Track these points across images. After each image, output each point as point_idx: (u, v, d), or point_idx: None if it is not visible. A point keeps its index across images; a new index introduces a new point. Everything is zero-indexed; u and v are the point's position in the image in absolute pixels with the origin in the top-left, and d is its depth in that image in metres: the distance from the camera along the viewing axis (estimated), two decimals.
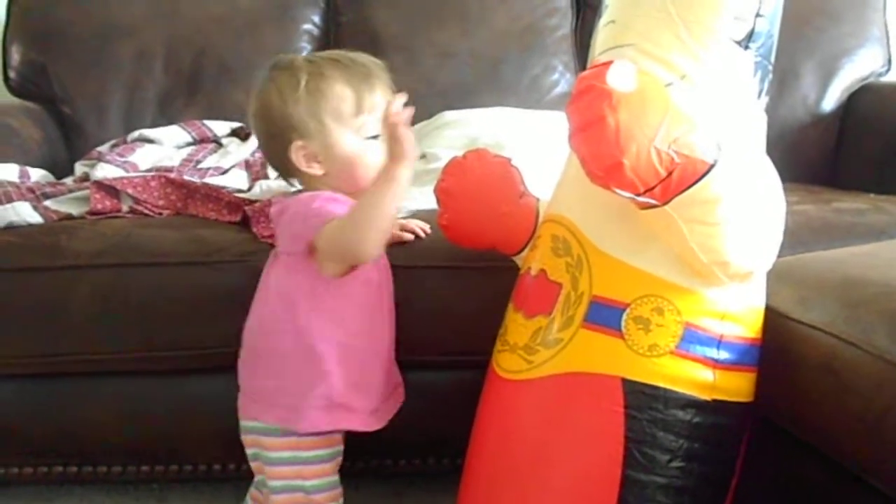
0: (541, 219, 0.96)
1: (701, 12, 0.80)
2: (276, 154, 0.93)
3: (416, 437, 1.13)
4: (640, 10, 0.82)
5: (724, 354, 0.81)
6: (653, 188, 0.72)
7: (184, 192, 1.27)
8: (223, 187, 1.28)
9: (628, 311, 0.80)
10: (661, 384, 0.80)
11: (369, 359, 0.91)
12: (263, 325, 0.92)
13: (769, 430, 0.85)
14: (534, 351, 0.84)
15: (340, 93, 0.89)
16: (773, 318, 0.83)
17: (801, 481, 0.83)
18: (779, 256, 1.01)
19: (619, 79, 0.71)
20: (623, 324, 0.80)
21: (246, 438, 0.94)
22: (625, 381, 0.79)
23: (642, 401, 0.79)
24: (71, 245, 1.10)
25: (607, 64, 0.72)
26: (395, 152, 0.83)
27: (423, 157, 1.42)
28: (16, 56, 1.68)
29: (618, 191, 0.73)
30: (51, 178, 1.48)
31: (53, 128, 1.65)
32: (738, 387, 0.82)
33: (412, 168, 0.84)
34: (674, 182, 0.72)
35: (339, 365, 0.88)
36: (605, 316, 0.81)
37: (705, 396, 0.81)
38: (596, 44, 0.90)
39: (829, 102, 1.65)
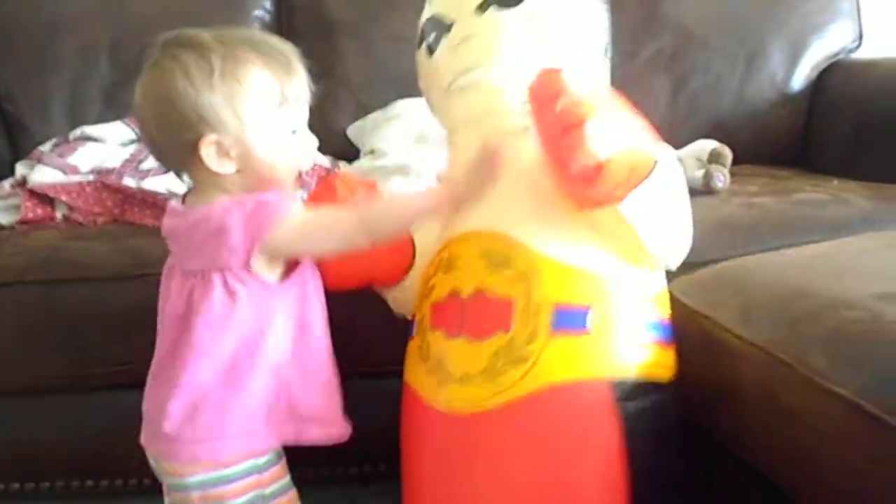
0: (438, 242, 0.90)
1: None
2: (174, 148, 0.80)
3: (367, 445, 1.10)
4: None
5: (666, 335, 0.84)
6: (620, 185, 0.75)
7: (120, 198, 1.23)
8: (163, 193, 1.23)
9: (591, 311, 0.80)
10: (640, 373, 0.80)
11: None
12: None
13: (708, 445, 0.82)
14: (499, 373, 0.78)
15: (261, 80, 0.78)
16: (715, 332, 0.80)
17: (736, 498, 0.80)
18: (736, 254, 1.02)
19: (578, 85, 0.75)
20: (590, 323, 0.79)
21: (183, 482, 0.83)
22: (608, 379, 0.78)
23: (629, 394, 0.78)
24: None
25: (557, 71, 0.75)
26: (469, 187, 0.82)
27: (371, 152, 1.38)
28: None
29: (592, 192, 0.75)
30: None
31: None
32: (675, 363, 0.84)
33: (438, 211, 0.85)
34: (633, 179, 0.75)
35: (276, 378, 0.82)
36: (570, 320, 0.79)
37: (667, 378, 0.82)
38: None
39: (798, 81, 1.61)
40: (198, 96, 0.76)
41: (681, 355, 0.83)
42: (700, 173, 1.25)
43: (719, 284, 0.86)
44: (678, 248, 0.87)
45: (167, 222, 0.84)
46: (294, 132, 0.82)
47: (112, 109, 1.58)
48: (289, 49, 0.82)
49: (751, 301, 0.80)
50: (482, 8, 0.89)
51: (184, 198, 0.87)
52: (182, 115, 0.77)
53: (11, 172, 1.44)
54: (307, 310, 0.82)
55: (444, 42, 0.91)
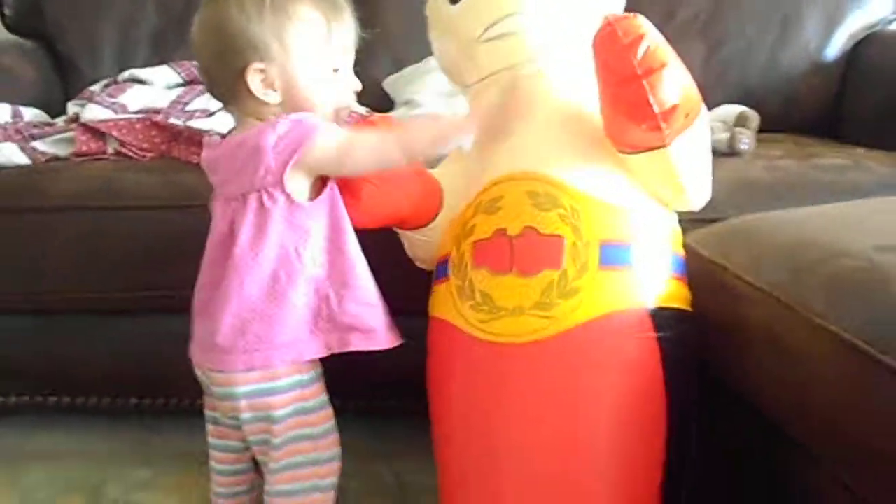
0: (468, 188, 0.94)
1: None
2: (225, 75, 0.84)
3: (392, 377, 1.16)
4: None
5: (684, 270, 0.90)
6: (679, 128, 0.82)
7: (167, 135, 1.28)
8: (207, 130, 1.29)
9: (632, 247, 0.85)
10: (675, 305, 0.86)
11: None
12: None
13: (719, 390, 0.87)
14: (551, 306, 0.83)
15: (309, 17, 0.84)
16: (725, 278, 0.84)
17: (744, 440, 0.85)
18: (754, 212, 1.05)
19: (652, 30, 0.81)
20: (633, 259, 0.85)
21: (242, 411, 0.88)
22: (650, 310, 0.83)
23: (667, 323, 0.84)
24: (54, 187, 1.13)
25: (634, 16, 0.80)
26: (497, 117, 0.88)
27: (406, 103, 1.43)
28: None
29: (657, 134, 0.81)
30: (44, 116, 1.51)
31: (48, 66, 1.67)
32: (691, 298, 0.90)
33: (463, 139, 0.89)
34: (686, 122, 0.82)
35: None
36: (616, 256, 0.84)
37: (689, 309, 0.88)
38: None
39: (833, 50, 1.60)
40: (248, 24, 0.82)
41: (695, 300, 0.88)
42: (725, 136, 1.26)
43: (733, 236, 0.90)
44: (706, 191, 0.93)
45: (206, 154, 0.90)
46: (336, 71, 0.87)
47: (158, 53, 1.65)
48: None
49: (760, 251, 0.84)
50: None
51: (224, 136, 0.93)
52: (233, 42, 0.82)
53: (63, 111, 1.52)
54: (338, 228, 0.87)
55: None
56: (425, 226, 0.97)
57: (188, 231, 1.09)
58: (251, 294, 0.85)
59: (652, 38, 0.80)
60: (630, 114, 0.82)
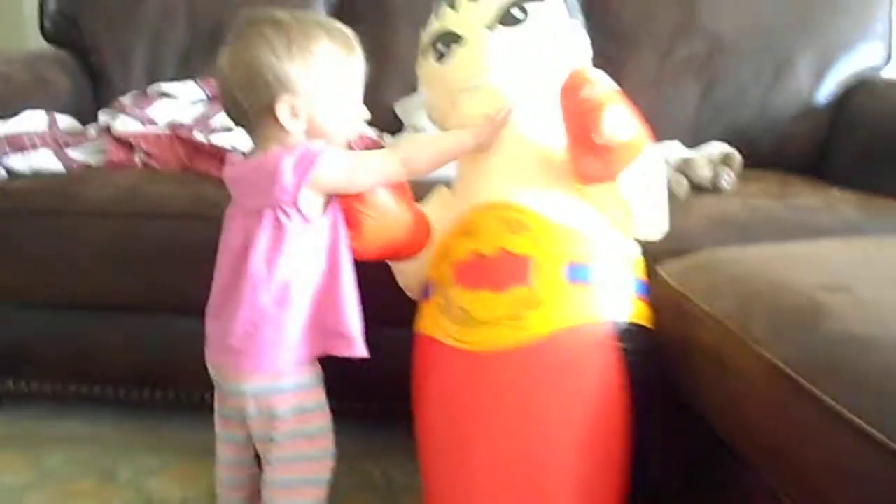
0: (451, 217, 1.05)
1: None
2: (253, 106, 0.92)
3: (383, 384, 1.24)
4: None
5: (646, 292, 1.00)
6: (624, 163, 0.93)
7: (191, 149, 1.38)
8: (227, 147, 1.38)
9: (593, 267, 0.95)
10: (637, 320, 0.95)
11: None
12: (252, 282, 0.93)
13: (676, 408, 0.95)
14: (521, 317, 0.91)
15: (328, 52, 0.93)
16: (686, 305, 0.93)
17: (700, 455, 0.93)
18: (727, 247, 1.13)
19: (601, 79, 0.96)
20: (594, 277, 0.94)
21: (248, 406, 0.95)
22: (614, 323, 0.93)
23: (630, 336, 0.93)
24: (85, 193, 1.22)
25: (583, 68, 0.97)
26: (486, 133, 1.04)
27: (413, 128, 1.51)
28: (52, 5, 1.79)
29: (605, 167, 0.94)
30: (77, 124, 1.60)
31: (82, 76, 1.76)
32: (653, 317, 0.99)
33: (476, 146, 1.04)
34: (630, 158, 0.94)
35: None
36: (579, 274, 0.94)
37: (649, 326, 0.97)
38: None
39: (823, 95, 1.65)
40: (277, 62, 0.91)
41: (657, 322, 0.97)
42: (709, 174, 1.33)
43: (698, 268, 0.99)
44: (658, 222, 1.03)
45: (228, 171, 1.00)
46: (350, 101, 0.98)
47: (186, 70, 1.74)
48: (350, 33, 0.98)
49: (717, 281, 0.92)
50: (491, 26, 1.08)
51: (246, 155, 1.03)
52: (264, 80, 0.91)
53: (94, 119, 1.61)
54: (337, 241, 0.97)
55: (455, 51, 1.08)
56: (415, 256, 1.07)
57: (206, 239, 1.17)
58: (264, 302, 0.92)
59: (599, 84, 0.94)
60: (580, 146, 0.95)
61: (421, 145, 1.04)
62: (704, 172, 1.35)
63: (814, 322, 0.75)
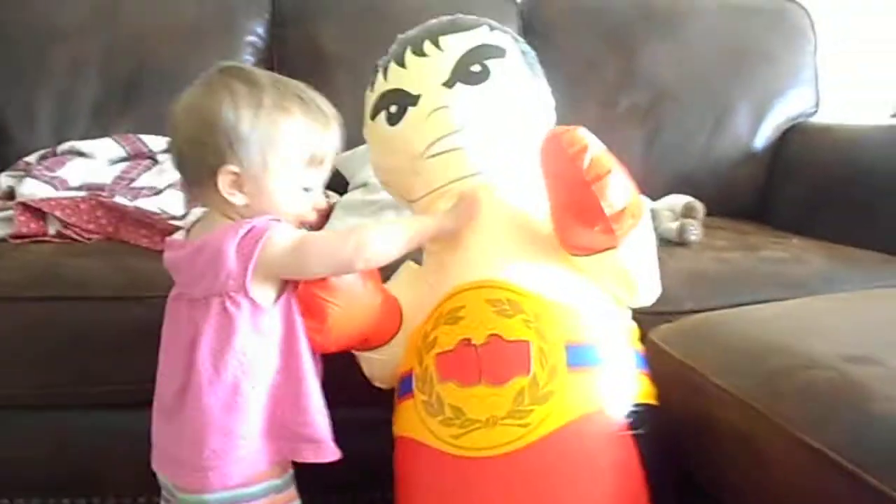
0: (440, 293, 0.94)
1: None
2: (198, 164, 0.83)
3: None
4: None
5: (645, 365, 0.92)
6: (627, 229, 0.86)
7: (115, 216, 1.24)
8: (156, 212, 1.25)
9: (597, 347, 0.86)
10: (646, 401, 0.87)
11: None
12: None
13: (692, 489, 0.88)
14: (526, 413, 0.82)
15: (297, 136, 0.83)
16: (696, 380, 0.86)
17: None
18: (708, 305, 1.09)
19: (595, 140, 0.86)
20: (600, 358, 0.86)
21: None
22: (623, 407, 0.85)
23: (641, 420, 0.85)
24: None
25: (576, 129, 0.86)
26: (454, 219, 0.92)
27: (364, 185, 1.42)
28: None
29: (608, 237, 0.86)
30: None
31: None
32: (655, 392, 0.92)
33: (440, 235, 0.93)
34: (633, 223, 0.86)
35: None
36: (583, 357, 0.85)
37: (656, 403, 0.89)
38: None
39: (762, 140, 1.70)
40: (237, 125, 0.81)
41: (663, 398, 0.89)
42: (675, 225, 1.31)
43: (697, 336, 0.93)
44: (655, 286, 0.96)
45: (168, 255, 0.88)
46: (308, 190, 0.87)
47: (100, 125, 1.59)
48: (331, 113, 0.87)
49: (726, 353, 0.86)
50: (449, 84, 0.97)
51: (188, 231, 0.91)
52: (212, 135, 0.81)
53: None
54: (292, 331, 0.85)
55: (412, 113, 0.97)
56: (386, 344, 0.96)
57: (141, 322, 1.05)
58: (210, 406, 0.81)
59: (595, 147, 0.85)
60: (581, 218, 0.86)
61: (379, 232, 0.88)
62: (669, 224, 1.33)
63: (855, 402, 0.70)
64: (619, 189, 0.84)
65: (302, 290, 0.86)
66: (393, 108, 0.99)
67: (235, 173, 0.82)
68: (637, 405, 0.86)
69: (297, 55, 1.68)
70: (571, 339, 0.86)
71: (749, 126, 1.70)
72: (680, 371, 0.89)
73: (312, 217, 0.91)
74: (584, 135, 0.86)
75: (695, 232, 1.30)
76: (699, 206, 1.37)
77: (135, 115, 1.61)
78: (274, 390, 0.84)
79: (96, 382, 1.08)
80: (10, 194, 1.35)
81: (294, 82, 0.87)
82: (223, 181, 0.82)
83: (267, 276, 0.83)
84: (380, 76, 1.03)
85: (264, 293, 0.83)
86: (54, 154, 1.48)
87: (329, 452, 0.85)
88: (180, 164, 0.86)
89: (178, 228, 1.19)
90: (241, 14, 1.71)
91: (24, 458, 1.12)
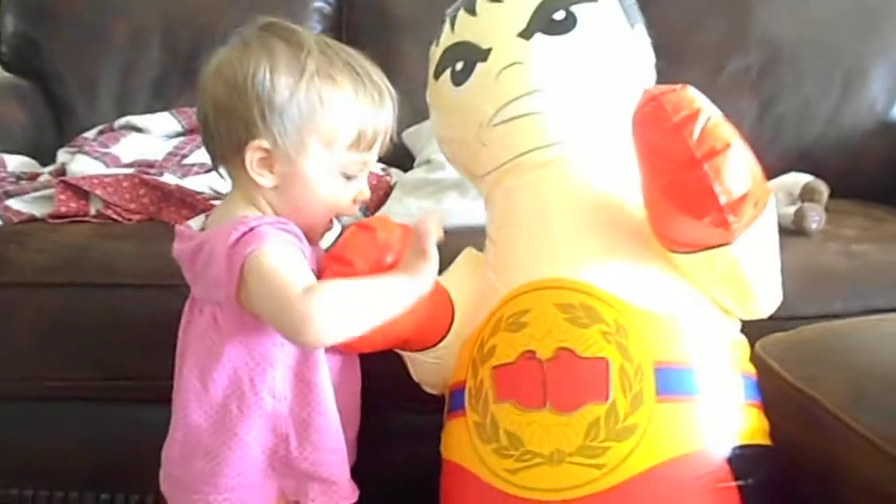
0: (502, 291, 0.80)
1: None
2: (225, 136, 0.73)
3: None
4: None
5: (758, 394, 0.78)
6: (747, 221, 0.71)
7: (158, 195, 1.18)
8: (200, 192, 1.17)
9: (695, 371, 0.74)
10: (756, 441, 0.74)
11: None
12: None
13: None
14: (601, 451, 0.70)
15: (342, 114, 0.72)
16: (817, 413, 0.70)
17: None
18: (833, 311, 0.94)
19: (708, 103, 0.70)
20: (697, 385, 0.73)
21: None
22: (725, 450, 0.72)
23: (749, 466, 0.72)
24: (18, 258, 1.03)
25: (684, 88, 0.70)
26: (416, 266, 0.72)
27: (427, 162, 1.30)
28: (9, 27, 1.62)
29: (722, 230, 0.70)
30: (32, 164, 1.41)
31: (42, 109, 1.58)
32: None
33: (423, 290, 0.73)
34: (754, 214, 0.71)
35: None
36: (676, 382, 0.73)
37: (768, 443, 0.75)
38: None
39: None
40: (273, 94, 0.71)
41: (777, 432, 0.75)
42: (792, 210, 1.15)
43: (816, 353, 0.77)
44: (777, 294, 0.81)
45: (175, 247, 0.78)
46: (349, 178, 0.75)
47: (161, 99, 1.57)
48: (386, 88, 0.75)
49: (856, 380, 0.70)
50: (527, 34, 0.83)
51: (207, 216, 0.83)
52: (246, 108, 0.71)
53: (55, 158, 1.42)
54: (307, 356, 0.74)
55: (480, 70, 0.84)
56: (434, 346, 0.83)
57: (168, 311, 0.97)
58: (197, 424, 0.74)
59: (709, 114, 0.68)
60: (688, 206, 0.70)
61: (339, 300, 0.69)
62: (785, 210, 1.16)
63: None
64: (739, 169, 0.68)
65: (324, 270, 0.74)
66: (459, 65, 0.86)
67: (267, 150, 0.72)
68: (743, 447, 0.72)
69: (367, 21, 1.61)
70: (663, 360, 0.73)
71: (883, 92, 1.49)
72: (794, 399, 0.73)
73: (353, 211, 0.79)
74: (694, 96, 0.69)
75: (816, 218, 1.14)
76: (822, 188, 1.21)
77: (196, 88, 1.53)
78: (275, 420, 0.74)
79: (117, 376, 1.04)
80: (63, 171, 1.31)
81: (347, 48, 0.76)
82: (251, 158, 0.72)
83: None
84: (446, 27, 0.90)
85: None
86: (111, 129, 1.45)
87: (343, 495, 0.76)
88: (205, 134, 0.76)
89: None
90: None
91: (47, 450, 1.09)
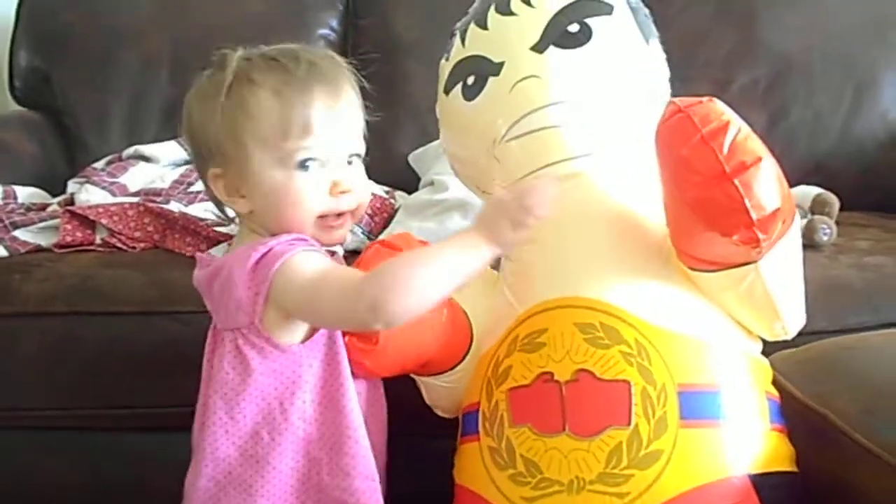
0: (519, 309, 0.78)
1: None
2: (202, 177, 0.75)
3: None
4: None
5: (782, 418, 0.75)
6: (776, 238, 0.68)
7: (162, 223, 1.18)
8: (204, 219, 1.17)
9: (721, 394, 0.71)
10: (783, 468, 0.71)
11: None
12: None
13: None
14: (623, 479, 0.68)
15: (265, 106, 0.70)
16: (828, 431, 0.67)
17: None
18: (846, 326, 0.91)
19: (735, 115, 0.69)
20: (723, 409, 0.71)
21: None
22: (752, 477, 0.69)
23: (777, 495, 0.70)
24: (22, 288, 1.03)
25: (711, 100, 0.69)
26: (501, 234, 0.65)
27: (431, 183, 1.29)
28: (22, 61, 1.64)
29: (750, 248, 0.68)
30: (42, 196, 1.42)
31: (53, 140, 1.59)
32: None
33: (496, 255, 0.68)
34: (782, 230, 0.69)
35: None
36: (701, 406, 0.70)
37: (794, 470, 0.73)
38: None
39: None
40: (203, 120, 0.72)
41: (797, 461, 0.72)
42: (802, 223, 1.12)
43: (827, 370, 0.75)
44: (801, 315, 0.78)
45: (196, 274, 0.78)
46: (305, 167, 0.71)
47: (170, 128, 1.53)
48: (317, 68, 0.72)
49: (867, 397, 0.68)
50: (540, 48, 0.81)
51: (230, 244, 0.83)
52: (193, 146, 0.74)
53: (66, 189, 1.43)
54: (335, 377, 0.72)
55: (493, 84, 0.82)
56: (452, 369, 0.81)
57: (172, 340, 0.99)
58: (227, 456, 0.72)
59: (738, 127, 0.66)
60: (716, 222, 0.68)
61: (405, 278, 0.66)
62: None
63: None
64: (770, 184, 0.66)
65: None
66: (470, 80, 0.85)
67: (220, 174, 0.73)
68: (769, 475, 0.69)
69: (372, 45, 1.60)
70: (687, 383, 0.70)
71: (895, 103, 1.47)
72: (806, 417, 0.71)
73: (336, 205, 0.74)
74: (723, 109, 0.67)
75: (827, 231, 1.14)
76: (833, 200, 1.20)
77: None
78: (307, 445, 0.72)
79: (121, 404, 1.03)
80: (72, 201, 1.32)
81: (281, 47, 0.74)
82: (215, 187, 0.73)
83: (282, 311, 0.70)
84: (457, 41, 0.89)
85: (286, 331, 0.71)
86: (119, 159, 1.46)
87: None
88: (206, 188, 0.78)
89: (224, 236, 1.11)
90: (313, 5, 1.65)
91: (55, 480, 1.08)
